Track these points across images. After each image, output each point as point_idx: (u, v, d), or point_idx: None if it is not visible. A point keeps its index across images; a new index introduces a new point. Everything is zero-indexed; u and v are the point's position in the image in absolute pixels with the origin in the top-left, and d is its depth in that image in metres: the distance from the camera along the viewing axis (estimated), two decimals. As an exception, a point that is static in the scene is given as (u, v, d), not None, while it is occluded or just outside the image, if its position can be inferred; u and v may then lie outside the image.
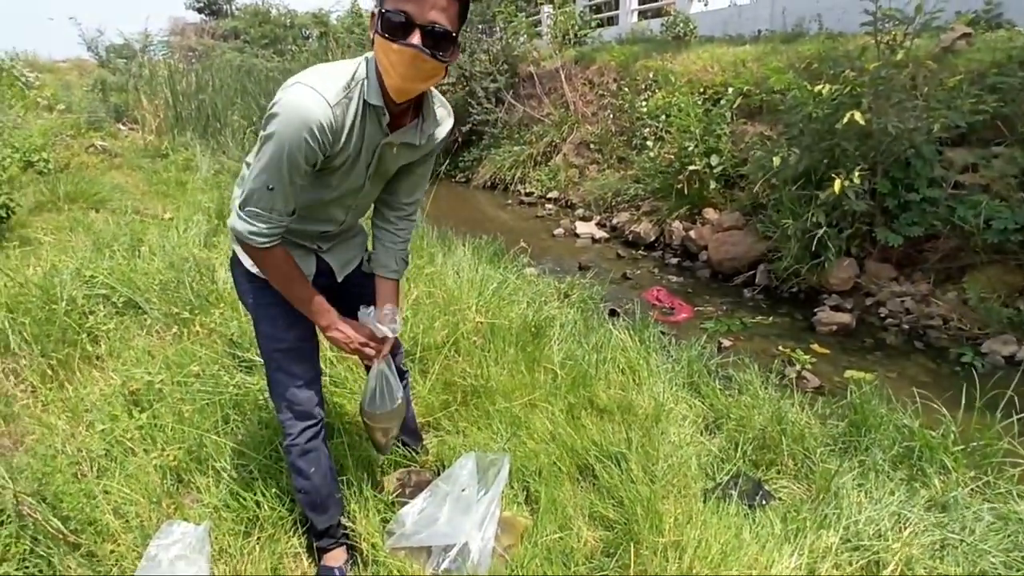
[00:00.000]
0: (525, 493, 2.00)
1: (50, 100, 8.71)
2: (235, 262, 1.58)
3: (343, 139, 1.31)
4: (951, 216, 4.07)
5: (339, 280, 1.65)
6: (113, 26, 43.84)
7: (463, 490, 1.77)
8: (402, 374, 1.92)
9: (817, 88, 4.48)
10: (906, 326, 4.07)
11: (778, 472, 2.21)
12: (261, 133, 1.27)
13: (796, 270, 4.56)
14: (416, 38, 1.19)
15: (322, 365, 2.38)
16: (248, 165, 1.46)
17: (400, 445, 2.08)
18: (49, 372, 2.54)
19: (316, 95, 1.22)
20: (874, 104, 4.32)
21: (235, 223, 1.33)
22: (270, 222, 1.31)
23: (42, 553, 1.68)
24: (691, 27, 8.51)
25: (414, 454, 2.11)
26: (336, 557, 1.73)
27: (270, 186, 1.27)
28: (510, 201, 8.81)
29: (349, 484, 1.87)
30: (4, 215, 4.02)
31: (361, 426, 2.19)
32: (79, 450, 2.01)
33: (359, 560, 1.75)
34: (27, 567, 1.67)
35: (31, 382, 2.49)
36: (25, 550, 1.69)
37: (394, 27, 1.20)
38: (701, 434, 2.43)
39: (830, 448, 2.28)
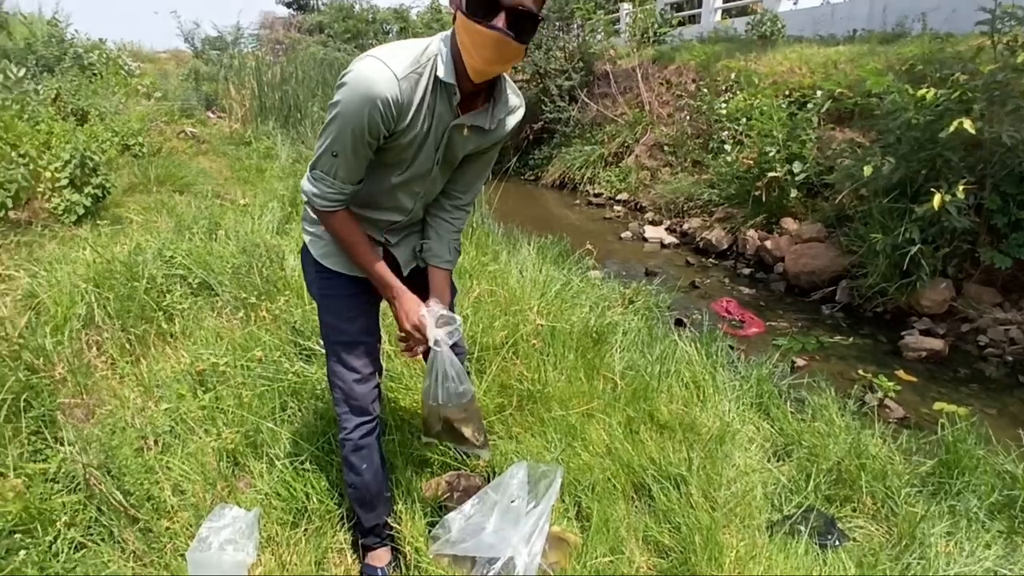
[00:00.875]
0: (576, 508, 1.92)
1: (149, 88, 9.28)
2: (305, 250, 1.58)
3: (411, 115, 1.28)
4: (1072, 239, 3.66)
5: (404, 275, 1.61)
6: (209, 19, 46.64)
7: (512, 501, 1.70)
8: None
9: (920, 92, 4.12)
10: (1010, 358, 3.69)
11: (854, 510, 2.04)
12: (333, 100, 1.26)
13: (883, 289, 4.23)
14: (501, 20, 1.15)
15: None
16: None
17: (450, 448, 2.03)
18: (127, 346, 2.66)
19: (384, 68, 1.21)
20: (987, 111, 3.94)
21: (304, 182, 1.37)
22: (332, 187, 1.33)
23: (105, 523, 1.75)
24: (779, 26, 8.10)
25: (465, 457, 2.07)
26: (380, 557, 1.71)
27: (334, 152, 1.28)
28: (578, 201, 8.68)
29: (397, 483, 1.85)
30: (101, 195, 4.28)
31: (414, 423, 2.18)
32: (146, 425, 2.09)
33: (402, 563, 1.72)
34: (91, 534, 1.74)
35: (111, 354, 2.61)
36: (90, 518, 1.77)
37: (479, 6, 1.16)
38: (769, 460, 2.27)
39: (916, 489, 2.08)
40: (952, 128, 3.76)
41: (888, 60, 5.80)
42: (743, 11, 10.81)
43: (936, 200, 3.82)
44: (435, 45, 1.28)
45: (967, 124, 3.71)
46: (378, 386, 1.65)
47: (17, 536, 1.62)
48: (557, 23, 10.42)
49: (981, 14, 4.15)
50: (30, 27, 9.50)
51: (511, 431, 2.25)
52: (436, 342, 1.46)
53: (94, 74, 8.64)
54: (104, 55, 9.56)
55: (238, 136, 8.70)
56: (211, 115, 10.28)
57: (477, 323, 2.77)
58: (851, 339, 4.05)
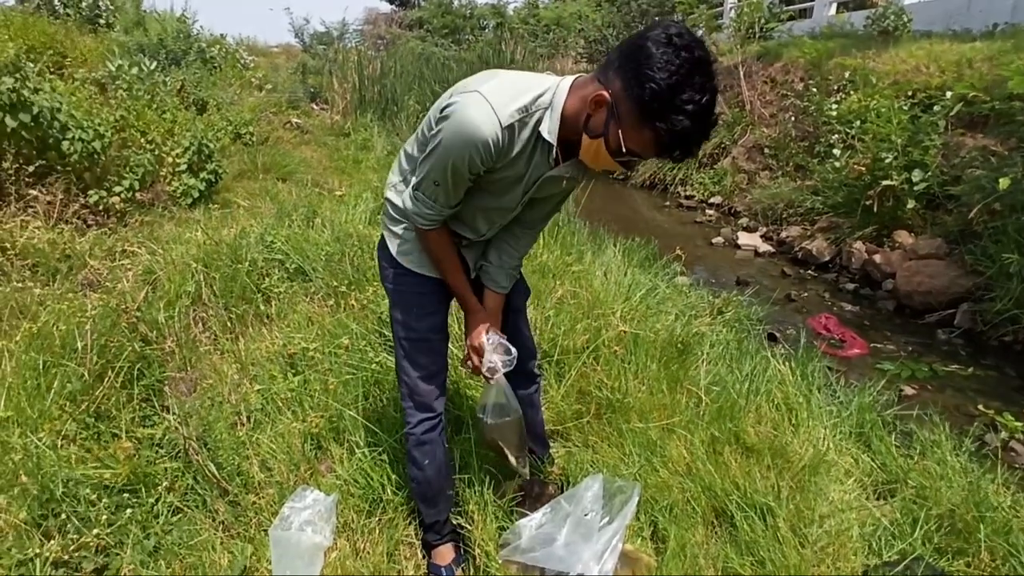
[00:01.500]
0: (652, 529, 1.84)
1: (261, 80, 9.91)
2: (382, 245, 1.60)
3: (510, 159, 1.31)
4: None
5: (472, 275, 1.62)
6: (318, 16, 49.25)
7: (586, 514, 1.65)
8: (533, 377, 1.87)
9: (1074, 96, 3.64)
10: None
11: (968, 565, 1.81)
12: (434, 128, 1.29)
13: (1014, 316, 3.78)
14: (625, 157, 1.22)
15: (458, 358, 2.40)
16: (406, 153, 1.51)
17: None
18: (228, 324, 2.83)
19: (490, 112, 1.21)
20: None
21: (406, 201, 1.43)
22: (432, 209, 1.38)
23: (199, 492, 1.86)
24: (904, 20, 7.43)
25: (539, 462, 2.03)
26: (444, 556, 1.72)
27: (436, 182, 1.33)
28: (668, 203, 8.41)
29: (471, 484, 1.84)
30: (214, 180, 4.61)
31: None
32: (240, 402, 2.21)
33: (471, 565, 1.71)
34: (187, 500, 1.86)
35: (214, 331, 2.79)
36: (187, 486, 1.89)
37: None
38: (868, 498, 2.08)
39: (1047, 550, 1.82)
40: (1114, 138, 3.30)
41: (1035, 59, 5.17)
42: (862, 4, 10.04)
43: (1087, 220, 3.36)
44: (548, 95, 1.27)
45: None
46: (444, 384, 1.66)
47: (125, 495, 1.76)
48: (656, 18, 10.13)
49: None
50: (163, 24, 10.39)
51: (588, 440, 2.20)
52: (491, 369, 1.53)
53: (214, 67, 9.34)
54: (224, 49, 10.30)
55: (338, 127, 9.11)
56: (315, 107, 10.84)
57: (559, 325, 2.73)
58: (971, 369, 3.65)
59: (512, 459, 1.69)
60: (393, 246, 1.55)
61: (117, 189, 3.86)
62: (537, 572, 1.63)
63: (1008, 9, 6.85)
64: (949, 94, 5.45)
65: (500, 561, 1.65)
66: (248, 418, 2.12)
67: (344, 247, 3.38)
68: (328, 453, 2.04)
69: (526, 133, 1.27)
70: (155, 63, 6.19)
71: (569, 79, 1.29)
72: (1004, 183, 3.85)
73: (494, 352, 1.52)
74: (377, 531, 1.77)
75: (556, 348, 2.57)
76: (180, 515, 1.79)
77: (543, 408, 2.10)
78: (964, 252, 4.39)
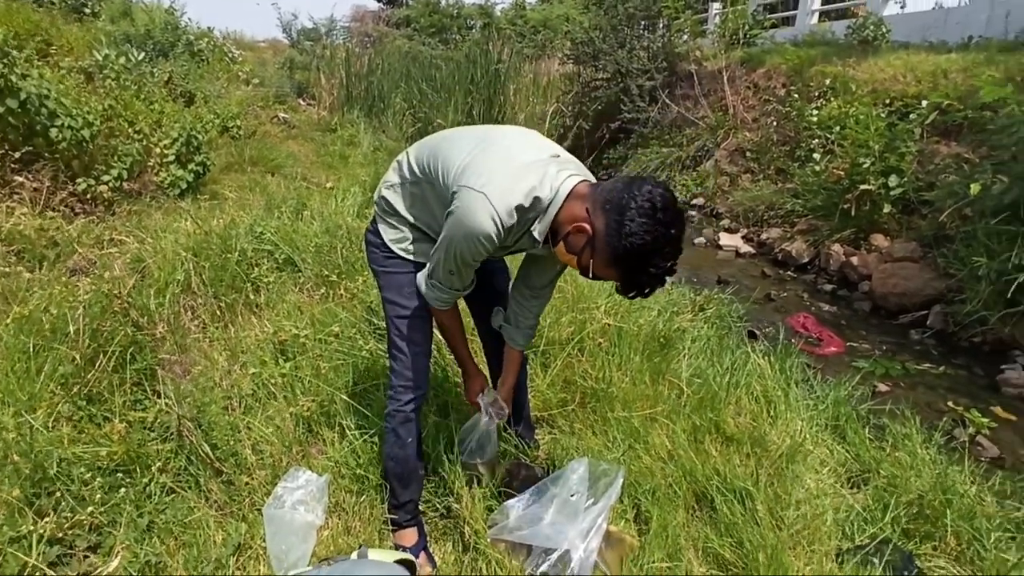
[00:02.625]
0: (635, 511, 1.90)
1: (248, 75, 9.84)
2: (376, 232, 1.67)
3: (507, 241, 1.43)
4: None
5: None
6: (306, 11, 48.81)
7: (572, 495, 1.71)
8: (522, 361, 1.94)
9: (1043, 107, 3.79)
10: None
11: (935, 548, 1.91)
12: (444, 224, 1.41)
13: (983, 317, 3.92)
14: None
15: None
16: (400, 164, 1.62)
17: (512, 435, 2.06)
18: (218, 313, 2.84)
19: (494, 215, 1.31)
20: (1120, 131, 3.57)
21: (422, 286, 1.57)
22: (448, 293, 1.55)
23: (192, 472, 1.89)
24: (883, 31, 7.62)
25: (526, 446, 2.09)
26: (409, 537, 1.76)
27: (451, 271, 1.47)
28: (651, 204, 8.52)
29: (465, 465, 1.88)
30: (202, 171, 4.59)
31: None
32: (232, 387, 2.23)
33: (461, 542, 1.76)
34: (180, 481, 1.88)
35: (203, 319, 2.80)
36: (180, 466, 1.91)
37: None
38: (842, 485, 2.17)
39: (1008, 534, 1.92)
40: (1078, 147, 3.44)
41: (1008, 70, 5.34)
42: (843, 14, 10.25)
43: (1052, 225, 3.50)
44: (546, 198, 1.36)
45: (1097, 144, 3.38)
46: (430, 363, 1.75)
47: (119, 475, 1.78)
48: (643, 22, 10.24)
49: (1123, 23, 3.77)
50: (150, 15, 10.27)
51: (573, 426, 2.26)
52: (485, 421, 1.82)
53: (202, 60, 9.25)
54: (212, 43, 10.21)
55: (325, 123, 9.09)
56: (302, 102, 10.79)
57: (545, 317, 2.78)
58: (942, 368, 3.78)
59: (484, 476, 1.90)
60: (387, 235, 1.63)
61: (105, 178, 3.84)
62: (524, 549, 1.68)
63: (983, 23, 7.05)
64: (925, 103, 5.63)
65: (489, 539, 1.70)
66: (240, 402, 2.14)
67: (334, 239, 3.41)
68: (319, 436, 2.08)
69: (523, 224, 1.39)
70: (143, 54, 6.15)
71: (569, 184, 1.37)
72: (975, 189, 3.99)
73: (491, 408, 1.80)
74: (368, 511, 1.81)
75: (542, 339, 2.63)
76: (174, 495, 1.81)
77: (529, 393, 2.15)
78: (937, 256, 4.54)
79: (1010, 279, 3.70)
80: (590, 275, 1.35)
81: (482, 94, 10.08)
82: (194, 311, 2.81)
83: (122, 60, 5.34)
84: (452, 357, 2.38)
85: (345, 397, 2.15)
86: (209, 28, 11.26)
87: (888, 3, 8.78)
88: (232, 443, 1.93)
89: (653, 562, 1.66)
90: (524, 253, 1.63)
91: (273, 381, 2.24)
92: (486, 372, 1.96)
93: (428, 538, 1.81)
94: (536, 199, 1.35)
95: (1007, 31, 6.55)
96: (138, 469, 1.81)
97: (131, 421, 1.96)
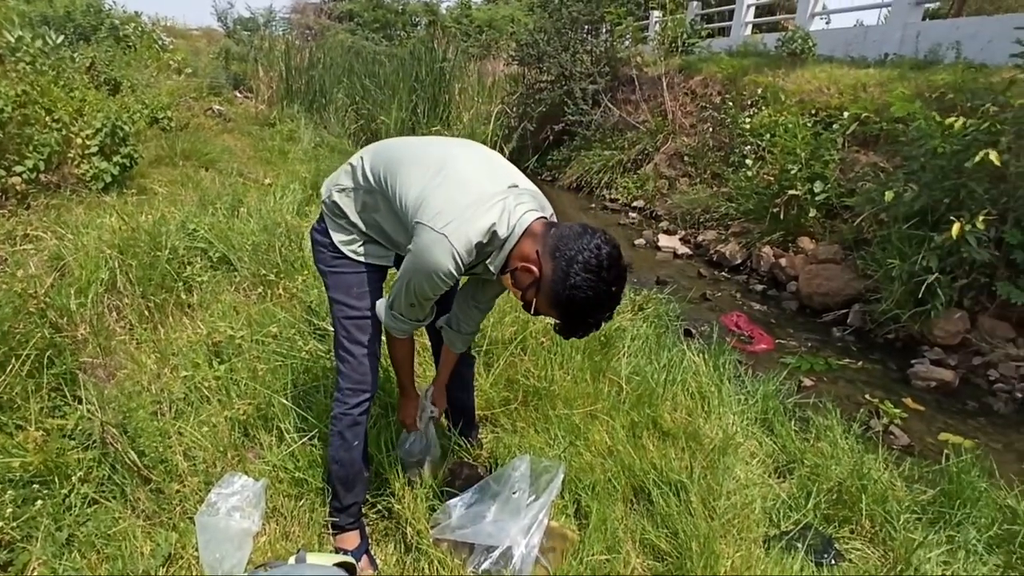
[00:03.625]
0: (576, 506, 1.94)
1: (180, 64, 9.37)
2: (323, 232, 1.63)
3: (465, 272, 1.47)
4: (1090, 279, 3.62)
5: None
6: (243, 0, 46.97)
7: (514, 492, 1.73)
8: (468, 360, 1.99)
9: (948, 121, 4.10)
10: (1019, 394, 3.66)
11: (852, 532, 2.04)
12: (404, 262, 1.43)
13: (896, 315, 4.21)
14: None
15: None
16: (353, 169, 1.59)
17: (455, 434, 2.07)
18: (146, 313, 2.71)
19: (454, 254, 1.33)
20: (1014, 144, 3.91)
21: (383, 316, 1.59)
22: (410, 323, 1.57)
23: (118, 481, 1.80)
24: (809, 44, 8.04)
25: (468, 446, 2.10)
26: (351, 540, 1.74)
27: (411, 304, 1.49)
28: (593, 205, 8.70)
29: (404, 465, 1.87)
30: (129, 164, 4.34)
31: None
32: (162, 391, 2.14)
33: (402, 542, 1.75)
34: (103, 491, 1.79)
35: (130, 320, 2.67)
36: (104, 475, 1.82)
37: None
38: (770, 476, 2.29)
39: (915, 515, 2.08)
40: (978, 159, 3.74)
41: (918, 86, 5.75)
42: (774, 27, 10.75)
43: (955, 229, 3.80)
44: (502, 233, 1.38)
45: (993, 156, 3.68)
46: (378, 365, 1.72)
47: (35, 487, 1.67)
48: (586, 26, 10.41)
49: (1017, 47, 4.12)
50: (70, -5, 9.64)
51: (515, 425, 2.28)
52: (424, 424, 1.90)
53: (128, 46, 8.76)
54: (139, 28, 9.68)
55: (263, 117, 8.79)
56: (238, 95, 10.39)
57: (488, 317, 2.79)
58: (860, 363, 4.04)
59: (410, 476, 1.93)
60: (336, 236, 1.60)
61: (19, 169, 3.57)
62: (467, 548, 1.69)
63: (897, 41, 7.56)
64: (846, 114, 5.98)
65: (431, 539, 1.71)
66: (171, 407, 2.05)
67: (272, 237, 3.31)
68: (256, 440, 2.02)
69: (478, 258, 1.42)
70: (62, 37, 5.74)
71: (527, 221, 1.40)
72: (889, 196, 4.28)
73: (432, 403, 1.88)
74: (308, 515, 1.77)
75: (485, 339, 2.64)
76: (97, 506, 1.72)
77: (474, 393, 2.17)
78: (856, 258, 4.83)
79: (919, 280, 3.99)
80: (532, 311, 1.41)
81: (427, 92, 10.00)
82: (120, 312, 2.67)
83: (38, 43, 4.98)
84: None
85: (283, 400, 2.10)
86: (137, 13, 10.66)
87: (814, 19, 9.28)
88: (161, 449, 1.85)
89: (592, 555, 1.71)
90: None
91: (207, 384, 2.16)
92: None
93: (370, 540, 1.79)
94: (494, 235, 1.37)
95: (918, 50, 7.05)
96: (57, 480, 1.71)
97: (48, 429, 1.84)
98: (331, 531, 1.76)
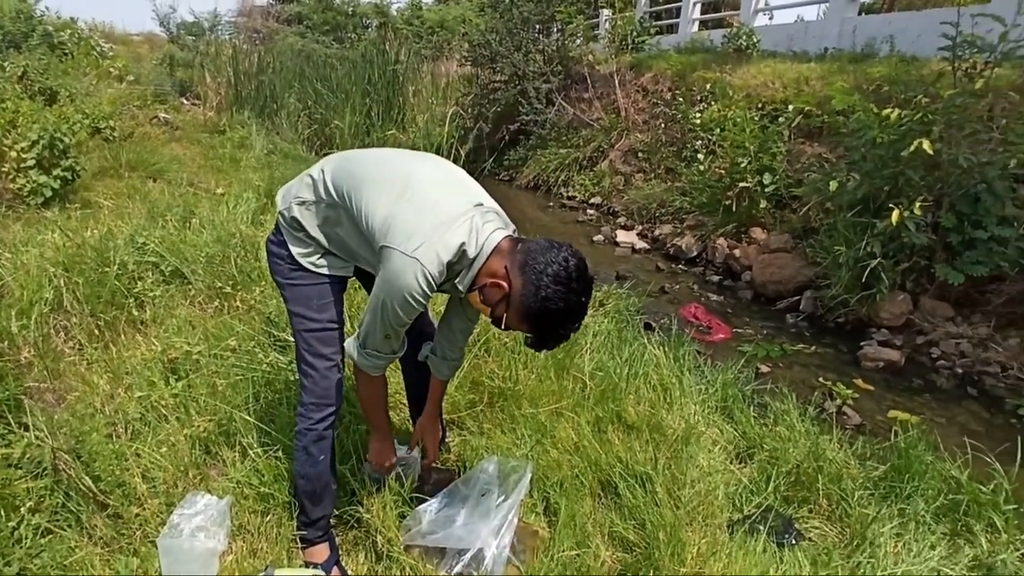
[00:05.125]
0: (544, 504, 1.97)
1: (121, 71, 9.02)
2: (280, 244, 1.60)
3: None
4: (1020, 258, 3.85)
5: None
6: (186, 4, 45.45)
7: (483, 494, 1.75)
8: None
9: (884, 112, 4.30)
10: (960, 370, 3.87)
11: (810, 511, 2.12)
12: (376, 290, 1.41)
13: (845, 300, 4.38)
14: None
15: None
16: (315, 182, 1.55)
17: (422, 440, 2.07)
18: (96, 332, 2.62)
19: (425, 273, 1.34)
20: (945, 133, 4.12)
21: (355, 355, 1.53)
22: (385, 358, 1.53)
23: (72, 508, 1.73)
24: (754, 40, 8.29)
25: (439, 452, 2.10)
26: (320, 553, 1.72)
27: (387, 335, 1.46)
28: (551, 203, 8.77)
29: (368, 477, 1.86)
30: (70, 178, 4.18)
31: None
32: (116, 412, 2.07)
33: (373, 551, 1.74)
34: (57, 520, 1.72)
35: (79, 340, 2.57)
36: (57, 504, 1.74)
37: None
38: (731, 462, 2.35)
39: (868, 492, 2.17)
40: (913, 148, 3.93)
41: (856, 79, 6.00)
42: (719, 24, 11.03)
43: (895, 216, 3.99)
44: (471, 251, 1.40)
45: (926, 145, 3.88)
46: (343, 376, 1.70)
47: (-21, 521, 1.60)
48: (537, 26, 10.49)
49: (944, 40, 4.35)
50: (-4, 1, 9.17)
51: (482, 427, 2.29)
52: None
53: (64, 54, 8.39)
54: (75, 35, 9.28)
55: (212, 124, 8.55)
56: (185, 102, 10.08)
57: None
58: (813, 348, 4.19)
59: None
60: (294, 248, 1.58)
61: (-53, 187, 3.41)
62: (438, 553, 1.70)
63: (835, 36, 7.86)
64: (791, 107, 6.20)
65: (402, 546, 1.70)
66: (126, 428, 1.99)
67: (227, 248, 3.23)
68: (218, 457, 1.97)
69: (448, 277, 1.43)
70: (-11, 46, 5.48)
71: (495, 239, 1.41)
72: (833, 186, 4.46)
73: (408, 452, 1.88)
74: (275, 530, 1.75)
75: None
76: (50, 536, 1.65)
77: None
78: (806, 246, 5.02)
79: (864, 265, 4.17)
80: (502, 327, 1.42)
81: (380, 95, 9.90)
82: (68, 332, 2.57)
83: (-36, 53, 4.74)
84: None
85: (245, 415, 2.06)
86: (72, 19, 10.21)
87: (758, 15, 9.56)
88: (118, 473, 1.79)
89: (563, 551, 1.73)
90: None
91: (164, 402, 2.10)
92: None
93: (340, 551, 1.78)
94: (464, 254, 1.39)
95: (855, 43, 7.35)
96: (3, 512, 1.63)
97: (-7, 459, 1.76)
98: (300, 545, 1.74)
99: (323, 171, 1.55)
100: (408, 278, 1.33)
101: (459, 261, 1.40)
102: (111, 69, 8.77)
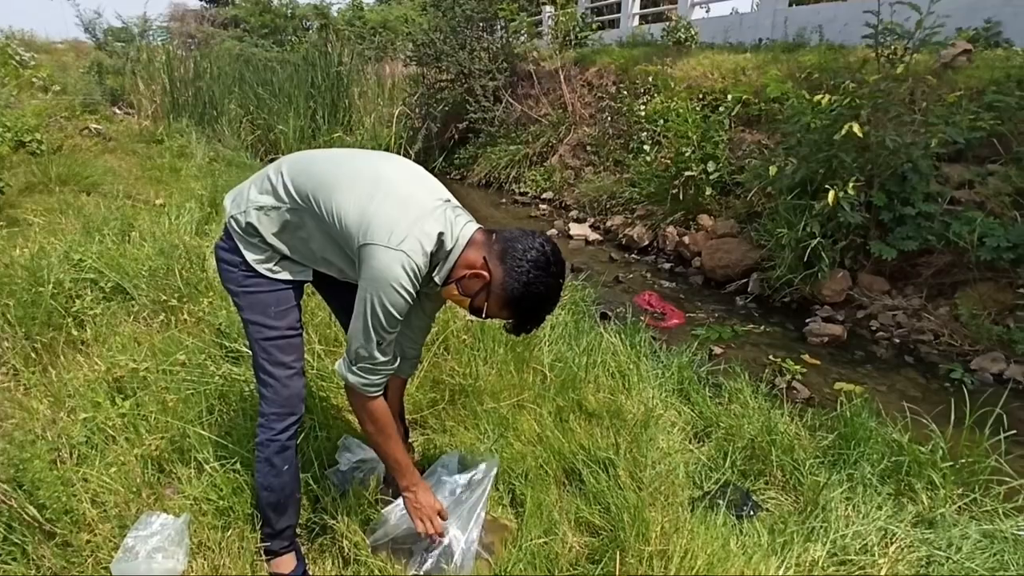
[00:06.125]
0: (511, 495, 1.99)
1: (45, 81, 8.57)
2: (232, 250, 1.55)
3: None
4: (946, 232, 4.09)
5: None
6: (111, 9, 43.41)
7: (449, 492, 1.75)
8: (415, 363, 1.96)
9: (816, 98, 4.49)
10: (897, 340, 4.09)
11: (766, 483, 2.20)
12: (362, 292, 1.37)
13: (789, 280, 4.56)
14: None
15: (310, 358, 2.37)
16: (273, 187, 1.50)
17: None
18: (32, 355, 2.50)
19: (412, 265, 1.35)
20: (872, 117, 4.34)
21: (349, 376, 1.47)
22: (381, 373, 1.48)
23: (16, 541, 1.65)
24: (692, 33, 8.51)
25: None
26: (287, 564, 1.69)
27: (379, 342, 1.42)
28: (504, 200, 8.79)
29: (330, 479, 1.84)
30: (-8, 195, 3.96)
31: (345, 421, 2.18)
32: (59, 436, 1.97)
33: (340, 557, 1.72)
34: (0, 555, 1.64)
35: (13, 365, 2.44)
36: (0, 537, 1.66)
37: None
38: (690, 442, 2.42)
39: (819, 460, 2.27)
40: (844, 132, 4.12)
41: (789, 68, 6.24)
42: (659, 17, 11.27)
43: (831, 197, 4.17)
44: (448, 243, 1.41)
45: (856, 128, 4.07)
46: (304, 383, 1.66)
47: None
48: (480, 24, 10.49)
49: (867, 28, 4.56)
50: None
51: (444, 425, 2.29)
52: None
53: (-21, 64, 7.91)
54: (-10, 44, 8.76)
55: (148, 133, 8.22)
56: (117, 111, 9.66)
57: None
58: (762, 327, 4.34)
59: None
60: (248, 254, 1.53)
61: None
62: (406, 552, 1.69)
63: (769, 27, 8.15)
64: (730, 97, 6.39)
65: (370, 549, 1.69)
66: (71, 452, 1.90)
67: (170, 260, 3.12)
68: (173, 475, 1.91)
69: (428, 269, 1.43)
70: None
71: (468, 231, 1.44)
72: (772, 171, 4.63)
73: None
74: (237, 543, 1.71)
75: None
76: (-6, 571, 1.58)
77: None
78: (751, 230, 5.19)
79: (805, 245, 4.35)
80: (483, 316, 1.46)
81: (325, 98, 9.72)
82: (0, 356, 2.43)
83: None
84: (320, 369, 2.33)
85: (199, 429, 2.00)
86: (-14, 27, 9.63)
87: (695, 8, 9.81)
88: (65, 499, 1.71)
89: (531, 540, 1.75)
90: None
91: (111, 423, 2.02)
92: None
93: (306, 560, 1.75)
94: (442, 244, 1.40)
95: (787, 34, 7.64)
96: (-59, 551, 1.55)
97: (-76, 496, 1.66)
98: (264, 557, 1.70)
99: (282, 174, 1.50)
100: (396, 270, 1.33)
101: (438, 252, 1.41)
102: (34, 79, 8.33)
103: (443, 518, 1.63)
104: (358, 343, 1.42)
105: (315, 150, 1.63)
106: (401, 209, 1.37)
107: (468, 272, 1.42)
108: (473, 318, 1.68)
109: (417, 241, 1.35)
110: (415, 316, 1.73)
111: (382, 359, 1.45)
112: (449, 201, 1.49)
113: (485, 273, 1.40)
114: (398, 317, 1.39)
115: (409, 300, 1.38)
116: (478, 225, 1.49)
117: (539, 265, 1.39)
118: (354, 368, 1.45)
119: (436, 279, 1.46)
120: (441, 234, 1.39)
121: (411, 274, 1.35)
